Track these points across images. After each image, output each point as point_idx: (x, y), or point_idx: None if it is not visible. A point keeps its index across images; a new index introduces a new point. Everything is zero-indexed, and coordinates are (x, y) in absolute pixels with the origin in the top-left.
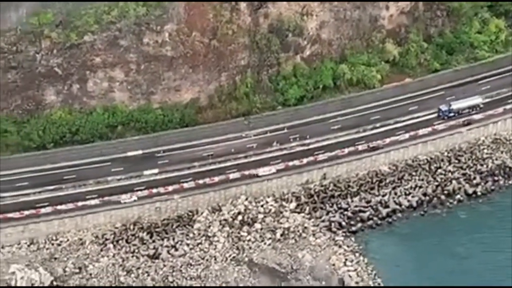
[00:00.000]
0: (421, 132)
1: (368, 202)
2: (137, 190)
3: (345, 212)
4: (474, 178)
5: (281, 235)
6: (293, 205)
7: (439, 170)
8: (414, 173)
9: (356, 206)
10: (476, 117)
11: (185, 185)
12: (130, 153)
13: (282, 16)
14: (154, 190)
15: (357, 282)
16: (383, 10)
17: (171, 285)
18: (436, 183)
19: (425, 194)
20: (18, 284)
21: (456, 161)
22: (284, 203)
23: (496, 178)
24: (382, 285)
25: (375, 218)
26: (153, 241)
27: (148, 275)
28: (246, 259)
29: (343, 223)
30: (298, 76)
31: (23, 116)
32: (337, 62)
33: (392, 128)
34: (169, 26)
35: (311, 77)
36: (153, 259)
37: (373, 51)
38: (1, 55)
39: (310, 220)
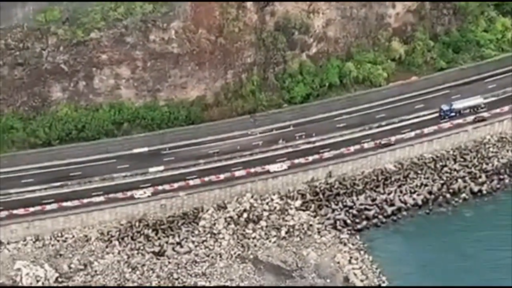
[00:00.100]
0: (426, 130)
1: (373, 200)
2: (147, 187)
3: (350, 210)
4: (480, 177)
5: (286, 232)
6: (298, 202)
7: (445, 169)
8: (419, 171)
9: (361, 204)
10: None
11: (191, 183)
12: (136, 150)
13: (289, 14)
14: (160, 187)
15: (362, 280)
16: (390, 8)
17: (176, 282)
18: (442, 182)
19: (430, 193)
20: (24, 280)
21: (462, 159)
22: (289, 200)
23: (501, 176)
24: (386, 283)
25: (380, 216)
26: (158, 238)
27: (153, 272)
28: (251, 256)
29: (348, 221)
30: (304, 74)
31: (29, 112)
32: (343, 60)
33: (397, 126)
34: (176, 24)
35: (317, 75)
36: (158, 256)
37: (379, 49)
38: (8, 52)
39: (315, 218)
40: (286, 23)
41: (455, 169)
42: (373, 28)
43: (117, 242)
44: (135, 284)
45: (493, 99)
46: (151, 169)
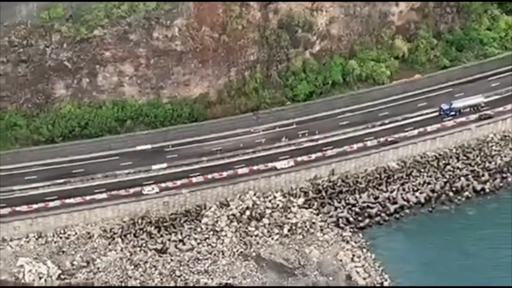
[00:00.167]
0: (429, 128)
1: (376, 198)
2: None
3: (353, 208)
4: (483, 175)
5: (289, 230)
6: (301, 200)
7: (448, 167)
8: (422, 170)
9: (364, 202)
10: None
11: (194, 180)
12: (139, 148)
13: (292, 12)
14: (163, 185)
15: (364, 278)
16: (393, 6)
17: (178, 279)
18: (445, 180)
19: (433, 191)
20: (26, 277)
21: (465, 158)
22: (292, 198)
23: (504, 175)
24: (389, 281)
25: (383, 214)
26: (161, 236)
27: (156, 269)
28: (254, 254)
29: (351, 219)
30: (307, 72)
31: (33, 110)
32: (346, 58)
33: (400, 125)
34: (179, 21)
35: (321, 72)
36: (160, 253)
37: (382, 47)
38: (12, 49)
39: (318, 215)
40: (289, 21)
41: (458, 168)
42: (376, 26)
43: (119, 239)
44: (138, 281)
45: (497, 97)
46: (154, 167)
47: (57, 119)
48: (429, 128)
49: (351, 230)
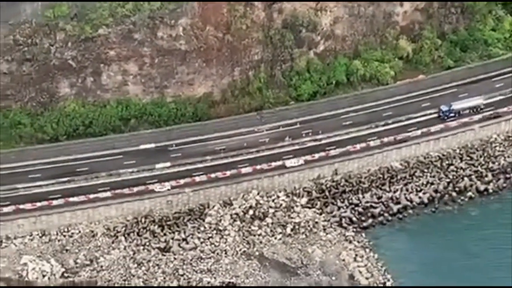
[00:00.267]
0: (433, 128)
1: (379, 198)
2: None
3: (356, 208)
4: (486, 176)
5: (292, 230)
6: (304, 200)
7: (451, 167)
8: (425, 170)
9: (367, 202)
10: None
11: (197, 179)
12: (142, 146)
13: (296, 12)
14: (166, 183)
15: (367, 278)
16: (397, 7)
17: (181, 278)
18: (448, 180)
19: (436, 191)
20: (30, 275)
21: (468, 158)
22: (295, 198)
23: (508, 175)
24: (391, 281)
25: (386, 214)
26: (164, 234)
27: (159, 268)
28: (257, 253)
29: (354, 219)
30: (311, 72)
31: (37, 108)
32: (350, 58)
33: (404, 125)
34: (183, 20)
35: (325, 72)
36: (164, 252)
37: (386, 47)
38: (16, 48)
39: (321, 215)
40: (293, 20)
41: (461, 168)
42: (380, 26)
43: (123, 238)
44: (141, 280)
45: (501, 97)
46: (157, 165)
47: (62, 117)
48: (432, 129)
49: (354, 230)
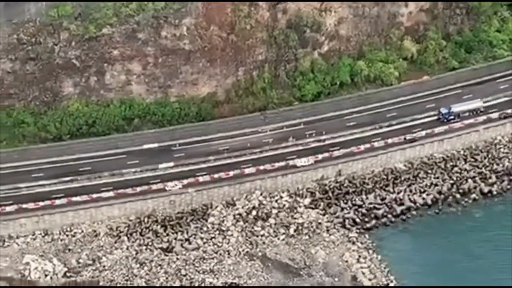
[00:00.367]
0: (437, 130)
1: (382, 199)
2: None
3: (360, 209)
4: (490, 177)
5: (295, 230)
6: (307, 200)
7: (455, 169)
8: (429, 171)
9: (370, 203)
10: (493, 116)
11: (200, 179)
12: (146, 146)
13: (301, 12)
14: (170, 183)
15: (370, 279)
16: (402, 7)
17: (184, 278)
18: (452, 182)
19: (440, 193)
20: (32, 275)
21: (472, 159)
22: (298, 198)
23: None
24: (394, 282)
25: (389, 216)
26: (167, 234)
27: (161, 268)
28: (260, 254)
29: (357, 220)
30: (315, 72)
31: (41, 107)
32: (354, 58)
33: (408, 126)
34: (187, 20)
35: (329, 73)
36: (166, 252)
37: (391, 48)
38: (20, 47)
39: (324, 216)
40: (298, 21)
41: (465, 169)
42: (385, 27)
43: (125, 238)
44: (143, 280)
45: (505, 99)
46: (161, 165)
47: (65, 117)
48: (436, 130)
49: (357, 231)
